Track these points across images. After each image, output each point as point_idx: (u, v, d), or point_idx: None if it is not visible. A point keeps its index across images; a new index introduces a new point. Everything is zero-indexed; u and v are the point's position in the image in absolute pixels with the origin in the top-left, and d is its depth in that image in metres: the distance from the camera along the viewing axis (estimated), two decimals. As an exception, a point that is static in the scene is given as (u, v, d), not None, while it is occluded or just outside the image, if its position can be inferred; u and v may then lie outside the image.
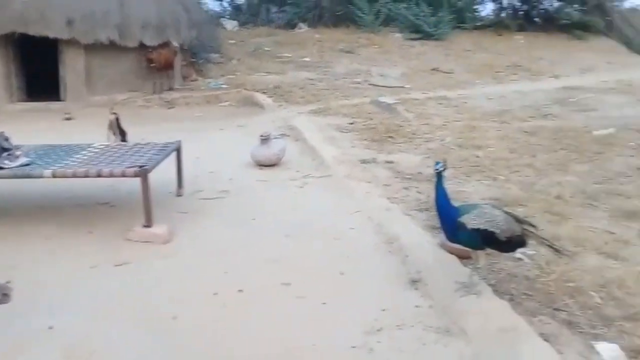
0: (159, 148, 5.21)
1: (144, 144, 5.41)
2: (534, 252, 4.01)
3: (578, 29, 19.31)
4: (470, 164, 6.38)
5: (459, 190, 5.52)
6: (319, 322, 3.29)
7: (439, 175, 3.43)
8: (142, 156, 4.92)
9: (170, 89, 11.31)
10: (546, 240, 3.59)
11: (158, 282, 3.77)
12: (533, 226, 3.57)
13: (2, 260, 4.08)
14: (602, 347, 2.95)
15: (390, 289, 3.62)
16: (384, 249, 4.18)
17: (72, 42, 10.27)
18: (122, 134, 7.29)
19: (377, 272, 3.87)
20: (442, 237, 4.14)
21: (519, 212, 4.82)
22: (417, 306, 3.38)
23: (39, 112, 9.72)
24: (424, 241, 4.21)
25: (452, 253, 3.93)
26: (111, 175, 4.49)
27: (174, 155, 5.36)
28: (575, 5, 19.79)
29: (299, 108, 9.84)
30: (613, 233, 4.51)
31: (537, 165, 6.37)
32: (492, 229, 3.27)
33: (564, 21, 19.42)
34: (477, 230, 3.28)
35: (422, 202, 5.18)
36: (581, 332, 3.11)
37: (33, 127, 8.17)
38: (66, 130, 8.49)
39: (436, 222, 4.65)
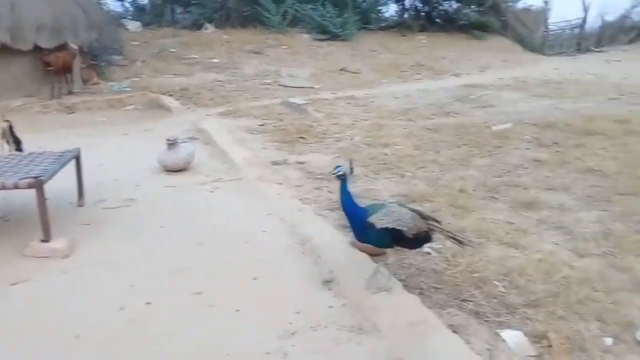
0: (56, 157, 4.92)
1: (40, 153, 5.08)
2: (441, 245, 4.15)
3: (476, 28, 20.38)
4: (379, 162, 6.51)
5: (369, 188, 5.62)
6: (232, 330, 3.21)
7: (342, 179, 3.42)
8: (37, 166, 4.62)
9: (70, 93, 10.76)
10: (451, 233, 3.71)
11: (59, 299, 3.54)
12: (437, 221, 3.67)
13: None
14: (507, 334, 3.09)
15: (304, 290, 3.60)
16: (297, 250, 4.16)
17: (-42, 46, 9.55)
18: (17, 143, 6.83)
19: (290, 274, 3.85)
20: (352, 236, 4.19)
21: (426, 207, 5.00)
22: (330, 306, 3.39)
23: None
24: (335, 241, 4.23)
25: (363, 251, 3.98)
26: (3, 187, 4.18)
27: (73, 163, 5.10)
28: (473, 7, 20.84)
29: (208, 110, 9.67)
30: (513, 223, 4.75)
31: (441, 160, 6.61)
32: (400, 227, 3.33)
33: (463, 21, 20.43)
34: (386, 229, 3.33)
35: (333, 202, 5.21)
36: (487, 321, 3.25)
37: None
38: (-47, 140, 7.86)
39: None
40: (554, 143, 7.26)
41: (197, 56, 14.65)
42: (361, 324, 3.17)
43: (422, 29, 20.62)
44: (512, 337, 3.05)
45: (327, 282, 3.67)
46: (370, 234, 3.38)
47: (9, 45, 10.00)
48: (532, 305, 3.36)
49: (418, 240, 3.46)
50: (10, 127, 6.80)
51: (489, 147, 7.14)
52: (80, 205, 5.18)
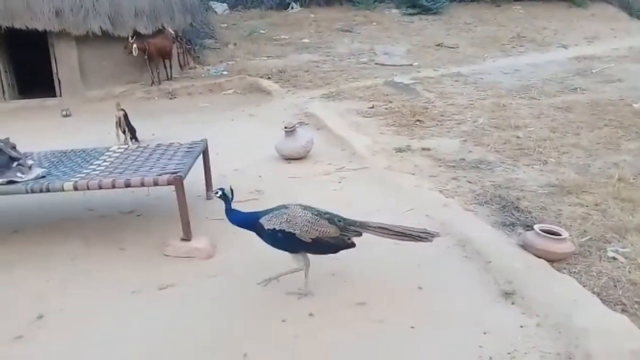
0: (186, 149, 4.71)
1: (167, 145, 4.89)
2: (628, 249, 3.60)
3: (576, -4, 18.89)
4: (513, 147, 5.94)
5: (512, 178, 5.10)
6: (407, 350, 2.84)
7: (223, 200, 3.36)
8: (170, 160, 4.42)
9: (169, 78, 10.70)
10: (407, 231, 3.26)
11: (215, 308, 3.29)
12: (362, 228, 3.32)
13: (29, 288, 3.60)
14: None
15: (482, 304, 3.17)
16: (458, 254, 3.72)
17: (62, 34, 9.63)
18: (132, 131, 6.78)
19: (459, 283, 3.42)
20: (524, 236, 3.71)
21: (588, 200, 4.45)
22: (522, 326, 2.94)
23: (33, 110, 9.11)
24: (501, 242, 3.76)
25: (539, 256, 3.50)
26: (142, 184, 3.98)
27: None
28: (573, -28, 19.31)
29: (309, 93, 9.30)
30: (700, 221, 4.11)
31: (584, 144, 5.96)
32: (290, 230, 3.15)
33: (561, -11, 18.97)
34: (274, 230, 3.15)
35: (478, 195, 4.73)
36: None
37: (30, 127, 7.60)
38: (66, 129, 7.95)
39: (505, 218, 4.25)
40: None
41: (287, 37, 14.31)
42: (569, 351, 2.71)
43: (517, -2, 19.38)
44: None
45: (508, 295, 3.21)
46: (264, 235, 3.22)
47: (110, 32, 10.02)
48: None
49: (324, 245, 3.22)
50: (125, 116, 6.75)
51: (635, 128, 6.39)
52: (209, 198, 4.96)
